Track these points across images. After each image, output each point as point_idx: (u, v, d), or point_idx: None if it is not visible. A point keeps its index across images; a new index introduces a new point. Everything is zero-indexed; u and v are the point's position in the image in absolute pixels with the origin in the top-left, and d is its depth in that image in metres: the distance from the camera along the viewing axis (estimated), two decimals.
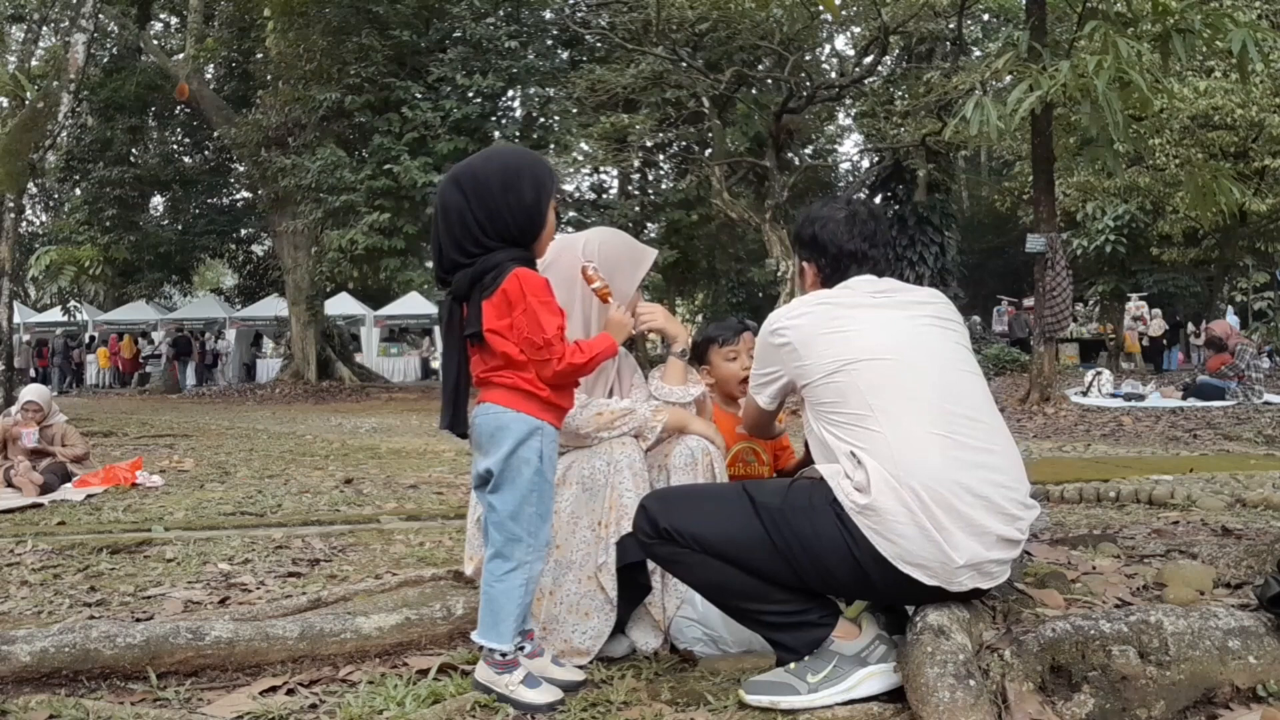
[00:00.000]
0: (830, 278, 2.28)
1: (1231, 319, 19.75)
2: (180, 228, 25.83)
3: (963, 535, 1.91)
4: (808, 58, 19.02)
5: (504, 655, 2.06)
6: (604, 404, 2.40)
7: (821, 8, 15.10)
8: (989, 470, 1.98)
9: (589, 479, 2.33)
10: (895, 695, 1.95)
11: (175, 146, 26.58)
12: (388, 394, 19.02)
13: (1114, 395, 11.99)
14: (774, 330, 2.20)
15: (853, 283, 2.24)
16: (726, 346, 2.86)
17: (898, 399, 2.01)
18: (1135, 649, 1.84)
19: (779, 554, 1.99)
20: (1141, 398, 11.71)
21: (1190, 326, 23.18)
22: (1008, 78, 11.48)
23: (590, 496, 2.32)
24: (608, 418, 2.36)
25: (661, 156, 18.96)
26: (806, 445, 2.35)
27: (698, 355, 2.87)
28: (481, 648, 2.10)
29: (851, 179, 26.10)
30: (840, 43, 22.28)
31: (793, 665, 2.00)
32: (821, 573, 2.00)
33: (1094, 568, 2.75)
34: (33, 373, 22.74)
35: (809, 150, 23.60)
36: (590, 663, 2.21)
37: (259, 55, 21.91)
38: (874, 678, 1.97)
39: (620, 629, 2.36)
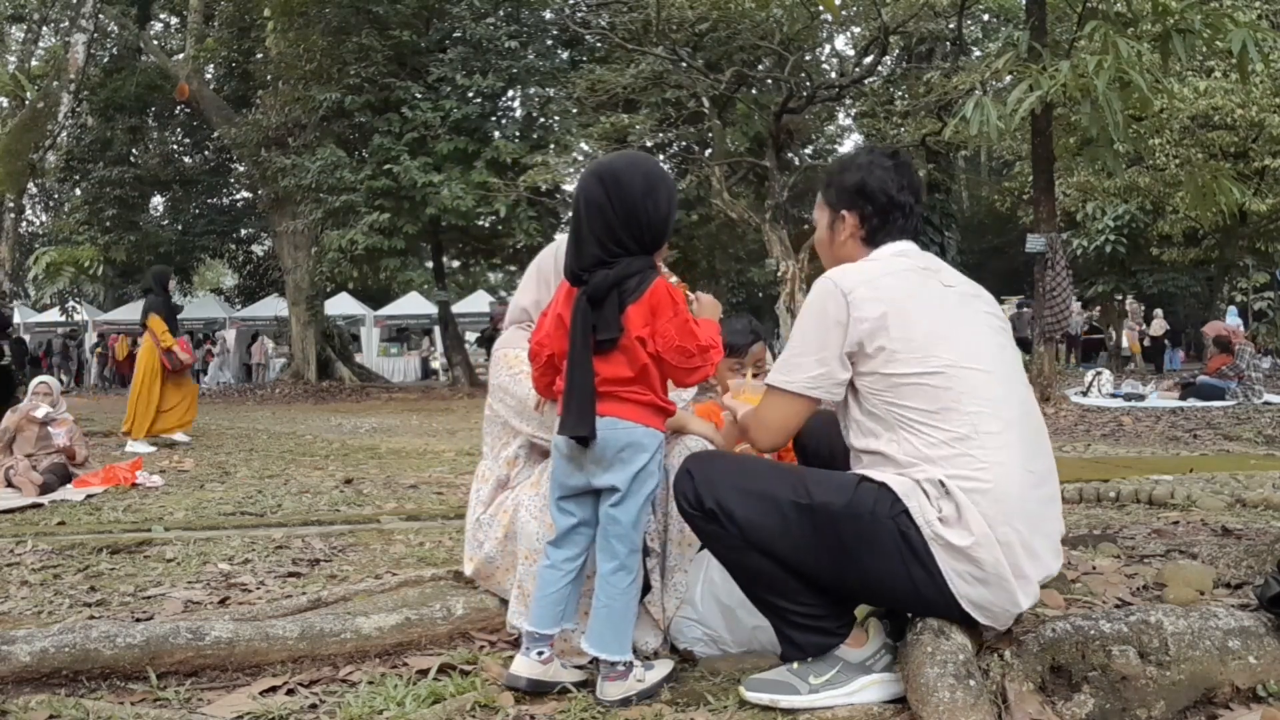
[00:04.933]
0: (875, 231, 2.05)
1: (1234, 319, 19.76)
2: (180, 228, 25.82)
3: (1033, 582, 1.87)
4: (808, 58, 18.96)
5: (627, 664, 2.06)
6: None
7: (821, 8, 15.10)
8: (1054, 503, 1.92)
9: None
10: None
11: (175, 146, 26.56)
12: (388, 394, 19.00)
13: (1114, 395, 11.99)
14: (850, 297, 1.87)
15: (908, 250, 2.01)
16: (733, 357, 2.67)
17: (995, 423, 1.84)
18: (1135, 649, 1.83)
19: (825, 555, 1.90)
20: (1141, 398, 11.71)
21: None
22: (1008, 78, 11.49)
23: None
24: None
25: (662, 156, 18.87)
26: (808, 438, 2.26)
27: None
28: (595, 660, 2.08)
29: None
30: (840, 43, 22.26)
31: (795, 665, 1.98)
32: (865, 581, 1.92)
33: (1094, 568, 2.75)
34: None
35: (809, 150, 23.53)
36: (590, 662, 2.21)
37: (259, 55, 21.90)
38: (875, 685, 1.95)
39: None
